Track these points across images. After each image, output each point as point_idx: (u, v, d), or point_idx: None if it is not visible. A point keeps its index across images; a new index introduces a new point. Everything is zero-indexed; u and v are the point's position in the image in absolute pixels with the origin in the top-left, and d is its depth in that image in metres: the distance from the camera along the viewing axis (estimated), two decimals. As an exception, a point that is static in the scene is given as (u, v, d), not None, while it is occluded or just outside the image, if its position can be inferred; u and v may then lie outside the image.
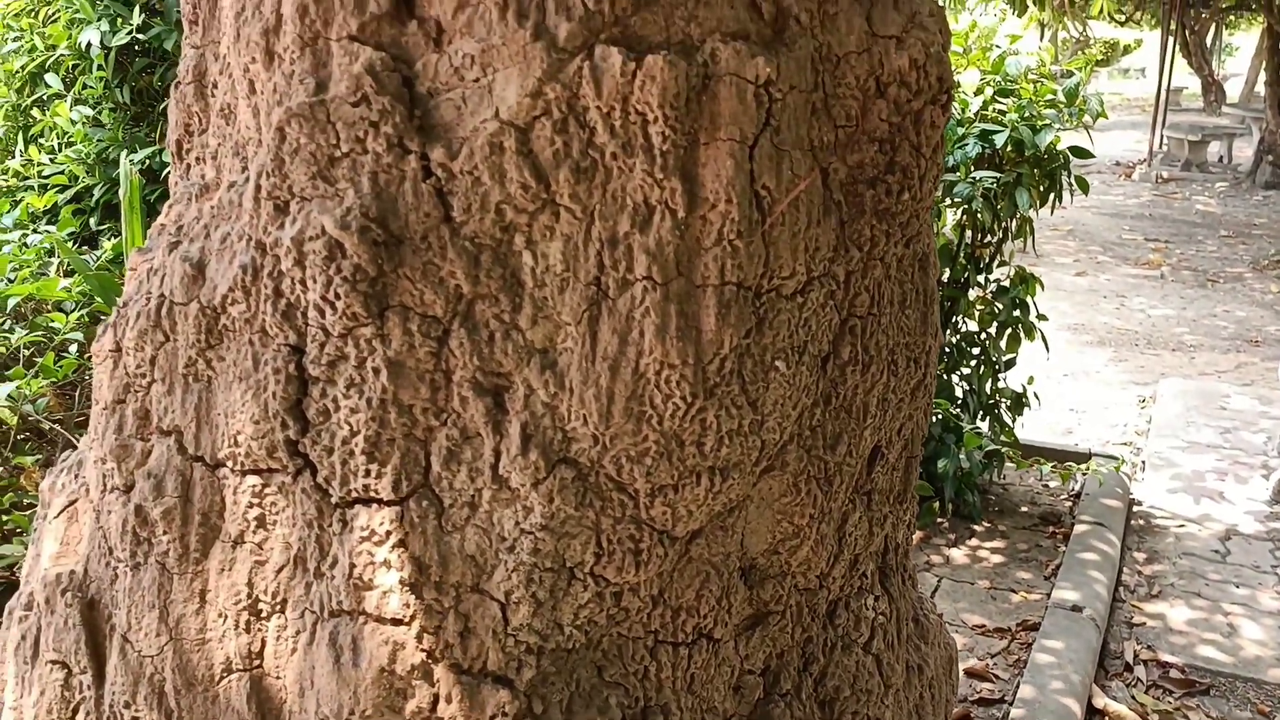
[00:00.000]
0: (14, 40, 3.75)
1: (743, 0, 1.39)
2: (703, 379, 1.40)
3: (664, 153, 1.35)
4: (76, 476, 1.82)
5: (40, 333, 2.83)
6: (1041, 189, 4.69)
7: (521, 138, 1.35)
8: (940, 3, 1.55)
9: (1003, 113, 4.63)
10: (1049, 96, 4.68)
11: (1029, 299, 4.89)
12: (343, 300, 1.39)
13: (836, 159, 1.47)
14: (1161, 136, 16.94)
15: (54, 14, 3.64)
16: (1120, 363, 7.66)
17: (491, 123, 1.35)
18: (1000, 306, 4.86)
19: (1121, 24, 29.20)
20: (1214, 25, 25.79)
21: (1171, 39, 19.43)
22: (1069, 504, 4.96)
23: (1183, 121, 18.08)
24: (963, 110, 4.62)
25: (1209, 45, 25.66)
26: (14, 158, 3.73)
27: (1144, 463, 5.68)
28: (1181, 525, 4.86)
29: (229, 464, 1.53)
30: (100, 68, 3.47)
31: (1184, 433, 6.01)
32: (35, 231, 2.92)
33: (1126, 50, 39.57)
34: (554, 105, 1.35)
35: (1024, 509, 4.91)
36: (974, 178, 4.42)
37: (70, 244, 3.39)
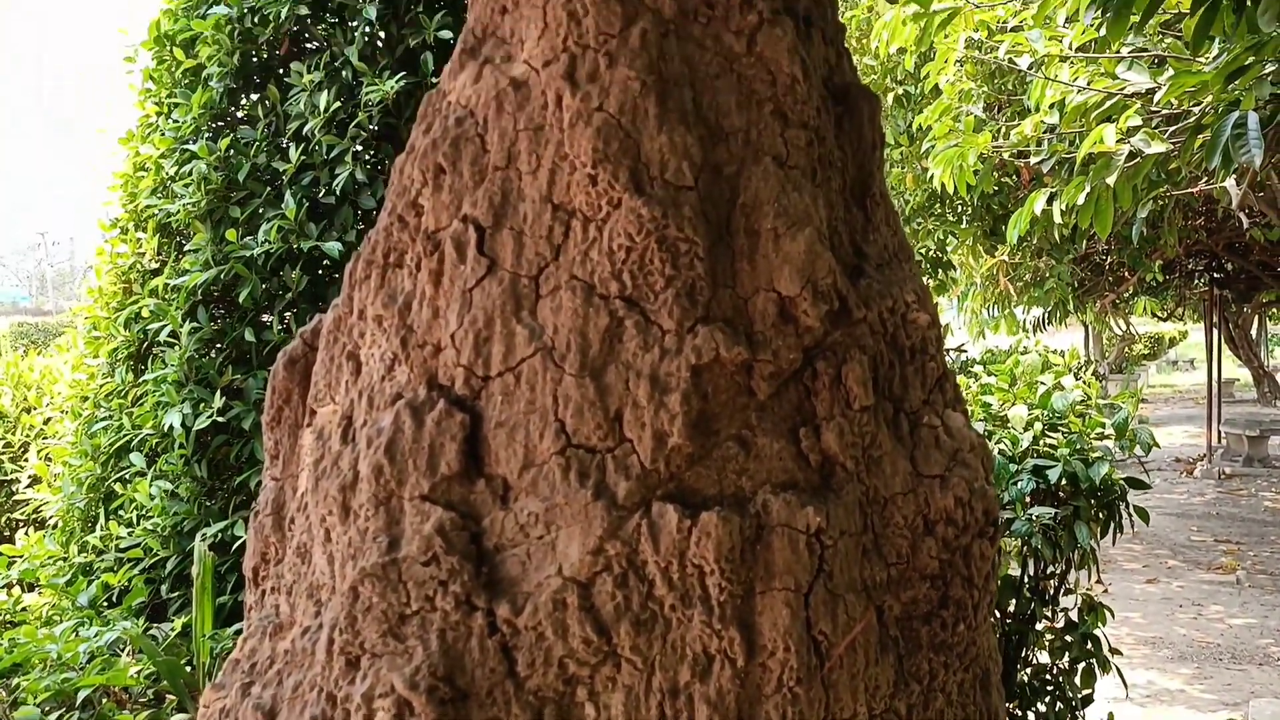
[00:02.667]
0: (103, 419, 3.99)
1: (790, 451, 1.48)
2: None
3: (721, 603, 1.39)
4: None
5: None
6: (1100, 520, 4.67)
7: (584, 593, 1.40)
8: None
9: (1054, 447, 4.68)
10: (1098, 430, 4.74)
11: (1099, 631, 4.76)
12: (409, 757, 1.41)
13: (890, 597, 1.50)
14: (1219, 431, 16.89)
15: (141, 396, 3.89)
16: (1204, 680, 7.32)
17: (555, 579, 1.41)
18: (1070, 639, 4.73)
19: (1164, 320, 29.83)
20: (1257, 318, 26.24)
21: (1216, 332, 19.75)
22: None
23: (1239, 415, 18.08)
24: (1014, 446, 4.68)
25: (1255, 337, 26.01)
26: (94, 531, 3.88)
27: (1246, 802, 5.31)
28: None
29: None
30: (181, 447, 3.66)
31: (1285, 766, 5.64)
32: (110, 624, 3.01)
33: (1172, 342, 40.19)
34: (614, 561, 1.41)
35: None
36: (1031, 515, 4.42)
37: (139, 618, 3.48)
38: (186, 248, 3.88)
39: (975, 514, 1.52)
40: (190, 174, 3.86)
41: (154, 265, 4.07)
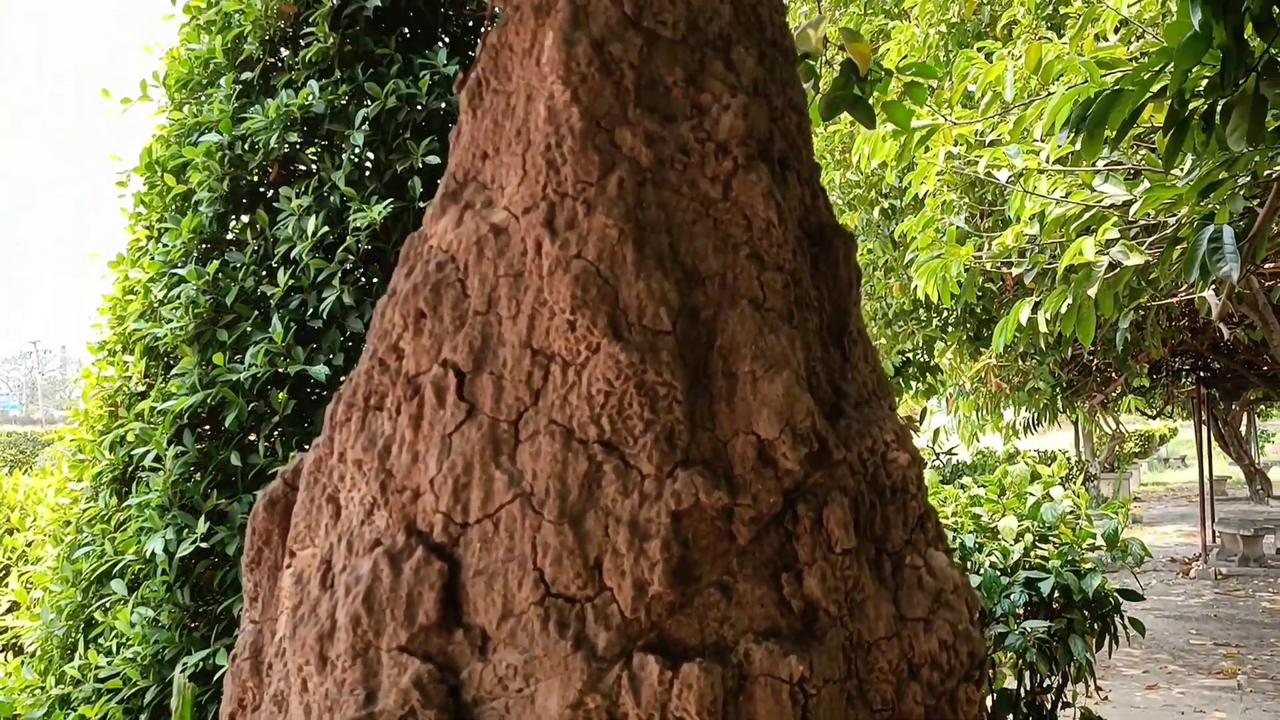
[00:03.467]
0: (85, 545, 3.95)
1: (772, 597, 1.46)
2: None
3: (705, 758, 1.37)
4: None
5: None
6: (1095, 631, 4.62)
7: (564, 749, 1.38)
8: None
9: (1045, 559, 4.65)
10: (1089, 540, 4.72)
11: (1101, 748, 4.67)
12: None
13: (877, 747, 1.47)
14: (1213, 531, 16.81)
15: (124, 521, 3.85)
16: (1212, 793, 7.16)
17: (534, 734, 1.39)
18: (1072, 757, 4.64)
19: (1153, 417, 29.87)
20: (1245, 414, 26.32)
21: (1205, 430, 19.79)
22: None
23: (1232, 514, 18.01)
24: (1005, 558, 4.65)
25: (1244, 434, 26.04)
26: (73, 659, 3.81)
27: None
28: None
29: None
30: (164, 573, 3.62)
31: None
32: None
33: (1162, 439, 40.21)
34: (595, 715, 1.38)
35: None
36: (1024, 628, 4.37)
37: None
38: (173, 371, 3.89)
39: (960, 657, 1.50)
40: (178, 298, 3.88)
41: (140, 388, 4.07)
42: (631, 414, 1.50)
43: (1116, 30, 6.01)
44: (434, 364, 1.62)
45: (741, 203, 1.65)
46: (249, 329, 3.84)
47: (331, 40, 3.97)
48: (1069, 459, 24.47)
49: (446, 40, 4.35)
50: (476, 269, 1.64)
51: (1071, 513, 4.94)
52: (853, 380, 1.73)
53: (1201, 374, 17.17)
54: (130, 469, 3.97)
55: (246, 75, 4.19)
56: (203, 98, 4.26)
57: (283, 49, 4.28)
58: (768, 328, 1.59)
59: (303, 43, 4.10)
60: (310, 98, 3.89)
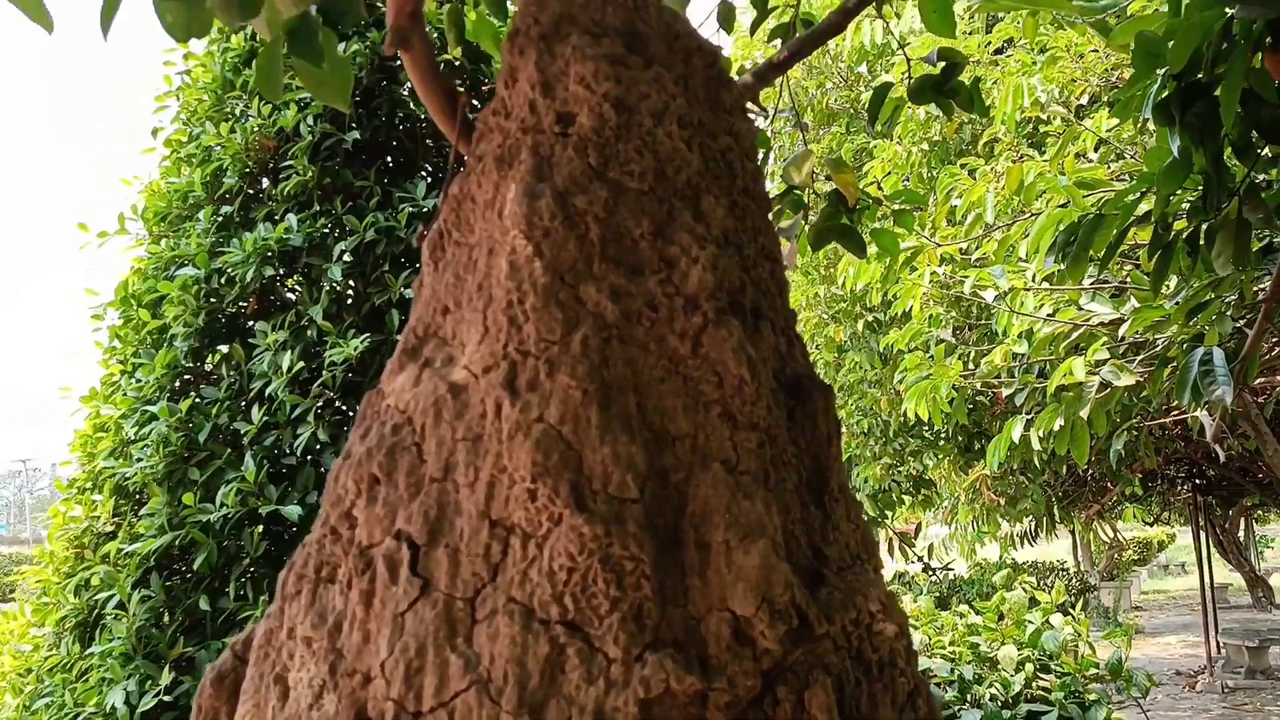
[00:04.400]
0: (45, 695, 3.78)
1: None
2: None
3: None
4: None
5: None
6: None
7: None
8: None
9: (1047, 690, 4.48)
10: (1092, 669, 4.56)
11: None
12: None
13: None
14: (1217, 642, 16.48)
15: (86, 670, 3.69)
16: None
17: None
18: None
19: (1150, 524, 29.61)
20: (1243, 520, 26.06)
21: (1204, 537, 19.59)
22: None
23: (1236, 624, 17.70)
24: (1005, 690, 4.48)
25: (1243, 540, 25.78)
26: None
27: None
28: None
29: None
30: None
31: None
32: None
33: (1161, 546, 39.78)
34: None
35: None
36: (1030, 767, 4.18)
37: None
38: (142, 512, 3.77)
39: None
40: (150, 435, 3.79)
41: (109, 529, 3.95)
42: (596, 591, 1.40)
43: (1096, 149, 6.06)
44: (387, 535, 1.52)
45: (712, 359, 1.57)
46: (222, 466, 3.73)
47: (310, 173, 3.96)
48: (1068, 572, 24.13)
49: (427, 172, 4.35)
50: (434, 432, 1.56)
51: (1073, 640, 4.78)
52: (834, 542, 1.63)
53: (1197, 482, 17.03)
54: (95, 614, 3.82)
55: (226, 209, 4.16)
56: (181, 231, 4.23)
57: (263, 181, 4.26)
58: (742, 492, 1.49)
59: (282, 176, 4.08)
60: (288, 231, 3.86)
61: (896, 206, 3.89)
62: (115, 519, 3.93)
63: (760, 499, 1.51)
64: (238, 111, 4.20)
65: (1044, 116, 6.52)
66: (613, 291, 1.58)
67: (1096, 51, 6.79)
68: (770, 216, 1.95)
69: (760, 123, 3.70)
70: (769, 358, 1.71)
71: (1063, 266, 4.03)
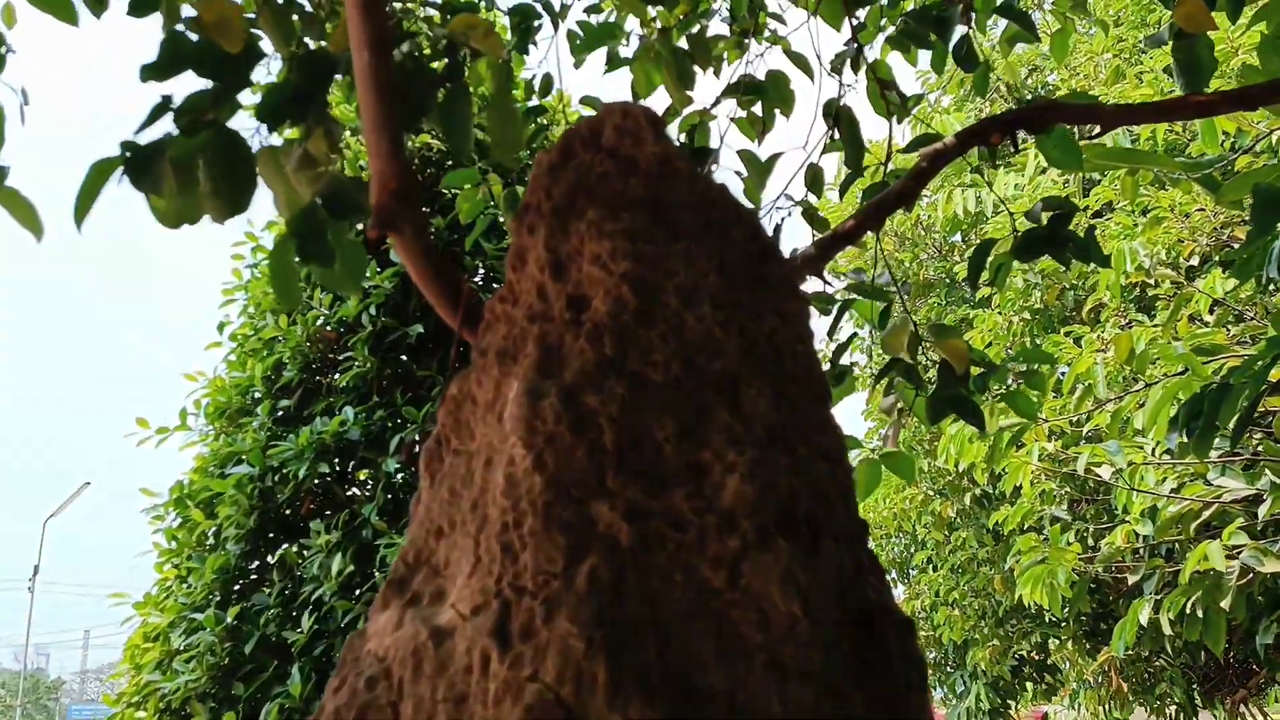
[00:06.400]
0: None
1: None
2: None
3: None
4: None
5: None
6: None
7: None
8: None
9: None
10: None
11: None
12: None
13: None
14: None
15: None
16: None
17: None
18: None
19: None
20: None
21: None
22: None
23: None
24: None
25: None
26: None
27: None
28: None
29: None
30: None
31: None
32: None
33: None
34: None
35: None
36: None
37: None
38: (183, 731, 3.50)
39: None
40: (196, 646, 3.55)
41: (152, 749, 3.67)
42: None
43: (1210, 311, 5.66)
44: (349, 827, 1.22)
45: (754, 592, 1.26)
46: (268, 680, 3.46)
47: (370, 364, 3.80)
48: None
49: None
50: (413, 689, 1.27)
51: None
52: (921, 825, 1.27)
53: (1354, 662, 15.59)
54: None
55: (285, 402, 4.02)
56: (240, 426, 4.09)
57: (324, 376, 4.12)
58: (793, 768, 1.16)
59: (341, 367, 3.94)
60: (344, 424, 3.68)
61: (1023, 367, 3.54)
62: (159, 738, 3.67)
63: (817, 776, 1.17)
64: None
65: (1151, 280, 6.15)
66: (629, 509, 1.29)
67: (1203, 210, 6.45)
68: (869, 404, 1.66)
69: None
70: (831, 581, 1.39)
71: (1187, 441, 3.63)
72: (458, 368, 1.56)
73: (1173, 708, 16.25)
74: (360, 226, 1.73)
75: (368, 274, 3.98)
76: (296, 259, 1.78)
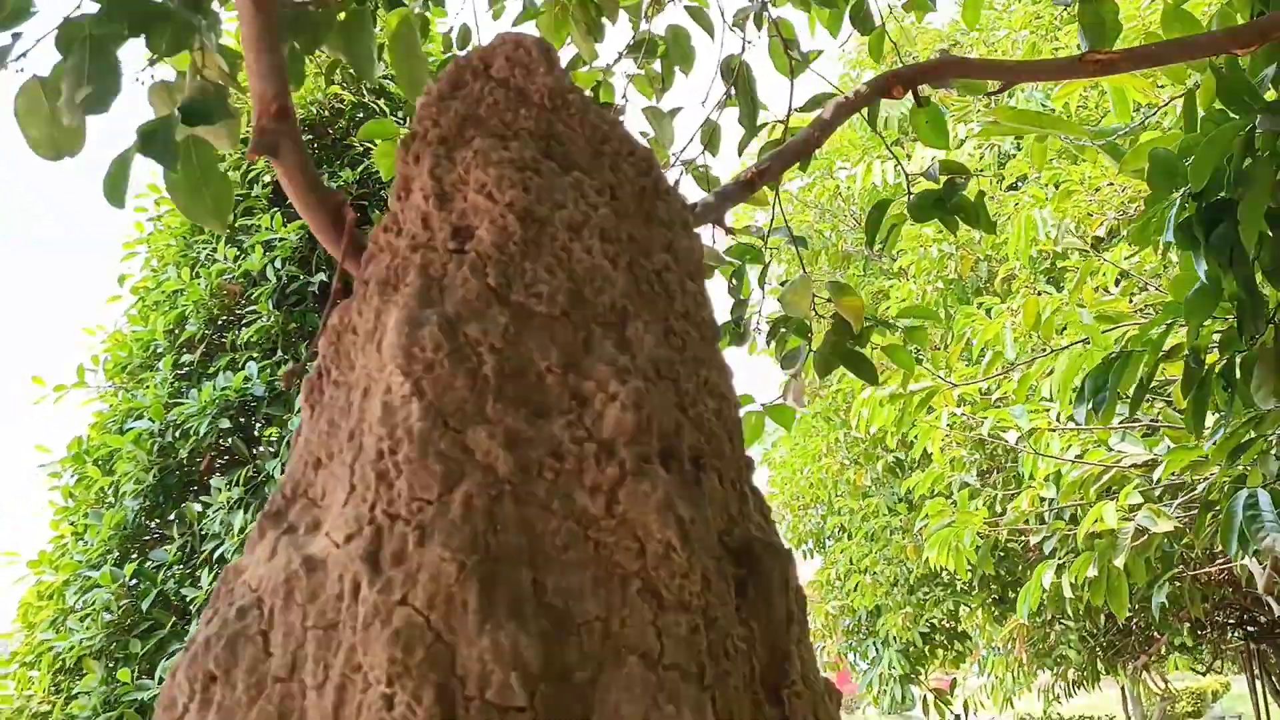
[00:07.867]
0: None
1: None
2: None
3: None
4: None
5: None
6: None
7: None
8: None
9: None
10: None
11: None
12: None
13: None
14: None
15: None
16: None
17: None
18: None
19: (1203, 674, 28.27)
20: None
21: (1260, 686, 18.63)
22: None
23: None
24: None
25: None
26: None
27: None
28: None
29: None
30: None
31: None
32: None
33: (1215, 695, 37.95)
34: None
35: None
36: None
37: None
38: (76, 689, 3.42)
39: None
40: (92, 604, 3.47)
41: (44, 708, 3.59)
42: (465, 837, 1.06)
43: (1117, 283, 5.79)
44: (214, 755, 1.19)
45: (631, 521, 1.25)
46: (166, 637, 3.40)
47: (275, 319, 3.72)
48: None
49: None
50: (283, 618, 1.24)
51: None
52: (796, 753, 1.28)
53: (1249, 629, 16.18)
54: (22, 805, 3.45)
55: (187, 357, 3.93)
56: (140, 382, 3.99)
57: (227, 331, 4.04)
58: (666, 695, 1.16)
59: (245, 322, 3.86)
60: (248, 380, 3.60)
61: (910, 323, 3.59)
62: (51, 698, 3.58)
63: (691, 702, 1.17)
64: (203, 256, 4.00)
65: (1059, 250, 6.27)
66: (508, 437, 1.28)
67: (1112, 185, 6.59)
68: (756, 348, 1.66)
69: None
70: (717, 515, 1.39)
71: (1094, 413, 3.70)
72: (340, 298, 1.52)
73: (1073, 673, 16.73)
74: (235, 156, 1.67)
75: (272, 226, 3.89)
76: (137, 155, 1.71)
